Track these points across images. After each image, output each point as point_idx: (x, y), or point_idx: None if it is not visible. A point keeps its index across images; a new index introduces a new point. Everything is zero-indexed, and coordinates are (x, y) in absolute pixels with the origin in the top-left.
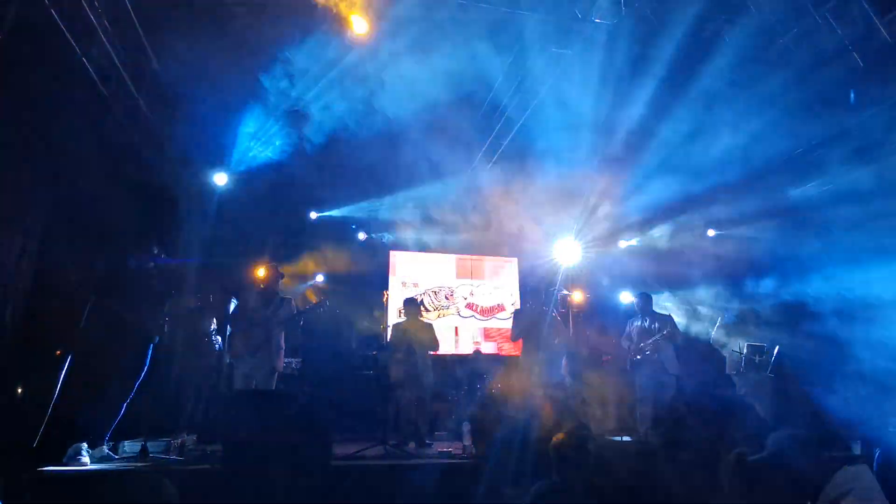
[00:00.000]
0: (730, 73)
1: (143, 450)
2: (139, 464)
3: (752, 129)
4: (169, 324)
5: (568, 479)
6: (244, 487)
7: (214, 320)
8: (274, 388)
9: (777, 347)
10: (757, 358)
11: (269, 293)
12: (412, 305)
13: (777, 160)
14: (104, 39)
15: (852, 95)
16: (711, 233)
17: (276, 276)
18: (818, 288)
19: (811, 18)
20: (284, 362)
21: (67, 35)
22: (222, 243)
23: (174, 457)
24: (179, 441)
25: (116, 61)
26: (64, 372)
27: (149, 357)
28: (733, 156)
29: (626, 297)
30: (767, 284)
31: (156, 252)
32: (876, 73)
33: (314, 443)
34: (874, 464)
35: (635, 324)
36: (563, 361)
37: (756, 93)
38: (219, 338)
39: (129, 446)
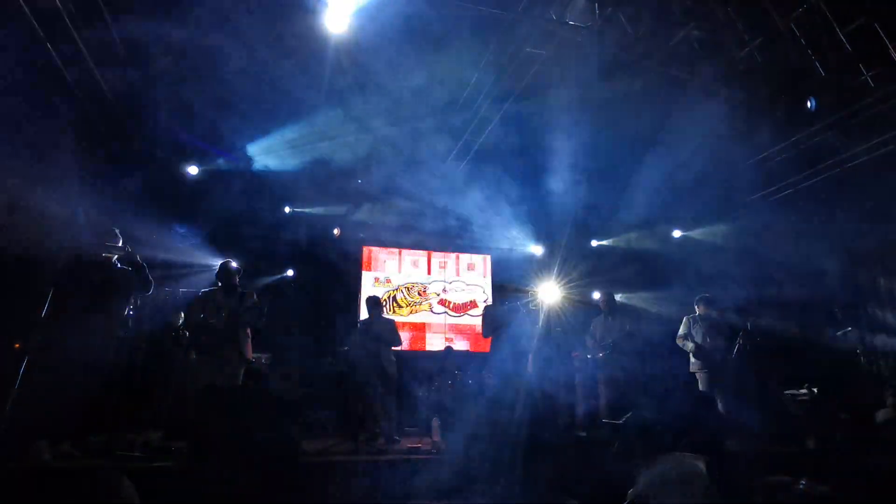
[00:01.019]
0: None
1: (107, 446)
2: (102, 461)
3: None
4: (134, 317)
5: (531, 474)
6: (210, 485)
7: (182, 314)
8: (241, 383)
9: (736, 344)
10: (717, 355)
11: (230, 287)
12: (375, 303)
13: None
14: (69, 24)
15: (812, 103)
16: (677, 234)
17: (234, 271)
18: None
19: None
20: (253, 356)
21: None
22: (192, 236)
23: (138, 454)
24: (144, 437)
25: (81, 46)
26: (24, 366)
27: (112, 351)
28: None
29: (595, 296)
30: (733, 283)
31: (121, 244)
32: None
33: (282, 439)
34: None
35: (598, 320)
36: (530, 358)
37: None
38: (186, 332)
39: (93, 443)
